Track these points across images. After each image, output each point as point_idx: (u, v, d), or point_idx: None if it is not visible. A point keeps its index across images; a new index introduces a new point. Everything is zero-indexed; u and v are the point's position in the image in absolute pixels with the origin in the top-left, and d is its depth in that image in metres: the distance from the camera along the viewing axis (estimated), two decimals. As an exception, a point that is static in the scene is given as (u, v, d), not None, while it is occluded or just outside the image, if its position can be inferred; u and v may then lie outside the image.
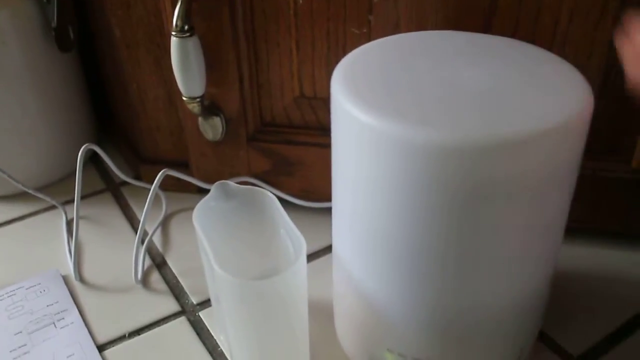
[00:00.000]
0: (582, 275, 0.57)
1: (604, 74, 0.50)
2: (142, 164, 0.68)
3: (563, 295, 0.54)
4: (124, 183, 0.71)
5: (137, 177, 0.69)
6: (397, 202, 0.37)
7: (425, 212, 0.36)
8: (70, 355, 0.51)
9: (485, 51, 0.41)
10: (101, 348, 0.52)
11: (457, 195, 0.35)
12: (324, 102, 0.57)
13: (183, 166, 0.65)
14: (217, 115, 0.59)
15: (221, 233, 0.47)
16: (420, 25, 0.49)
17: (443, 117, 0.35)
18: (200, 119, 0.59)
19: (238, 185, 0.48)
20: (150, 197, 0.57)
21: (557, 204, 0.38)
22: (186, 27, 0.53)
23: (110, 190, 0.71)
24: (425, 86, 0.38)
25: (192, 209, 0.66)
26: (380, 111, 0.36)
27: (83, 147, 0.59)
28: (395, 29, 0.50)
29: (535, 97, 0.36)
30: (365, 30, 0.51)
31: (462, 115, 0.35)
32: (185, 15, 0.52)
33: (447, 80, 0.38)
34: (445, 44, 0.42)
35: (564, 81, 0.38)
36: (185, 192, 0.68)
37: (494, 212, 0.36)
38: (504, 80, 0.38)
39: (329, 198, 0.62)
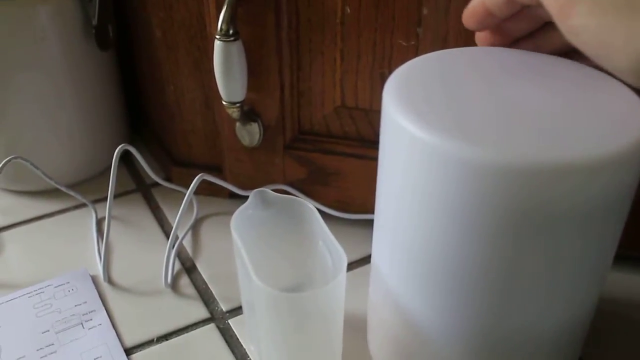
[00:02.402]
0: (624, 303, 0.56)
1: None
2: (174, 166, 0.68)
3: (603, 322, 0.53)
4: (155, 185, 0.70)
5: (168, 179, 0.69)
6: (444, 220, 0.36)
7: (472, 233, 0.35)
8: (97, 358, 0.51)
9: (539, 70, 0.40)
10: (128, 352, 0.51)
11: (509, 217, 0.34)
12: (365, 113, 0.56)
13: (215, 170, 0.65)
14: (255, 121, 0.58)
15: (257, 242, 0.47)
16: (468, 40, 0.48)
17: (499, 135, 0.34)
18: (237, 124, 0.59)
19: (277, 194, 0.47)
20: (186, 201, 0.57)
21: (611, 232, 0.37)
22: (231, 32, 0.52)
23: (140, 191, 0.70)
24: (480, 103, 0.37)
25: (223, 214, 0.66)
26: (432, 125, 0.35)
27: (119, 146, 0.58)
28: (444, 43, 0.50)
29: (594, 119, 0.35)
30: (413, 43, 0.51)
31: (519, 135, 0.34)
32: (230, 20, 0.52)
33: (503, 98, 0.37)
34: (499, 61, 0.42)
35: (621, 104, 0.37)
36: (216, 196, 0.67)
37: (545, 238, 0.35)
38: (560, 100, 0.37)
39: (363, 210, 0.61)
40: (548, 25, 0.41)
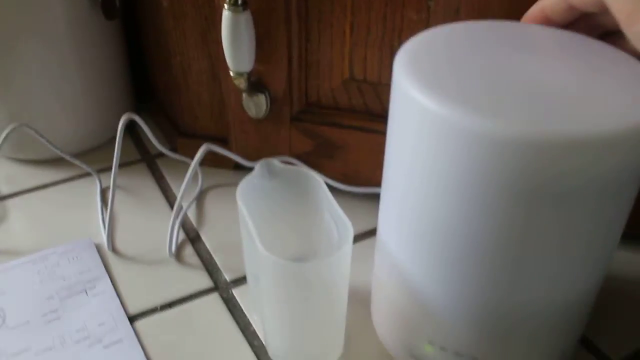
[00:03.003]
0: (629, 282, 0.56)
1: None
2: (179, 137, 0.68)
3: (607, 300, 0.53)
4: (159, 155, 0.70)
5: (174, 150, 0.69)
6: (454, 193, 0.36)
7: (483, 206, 0.35)
8: (101, 324, 0.51)
9: (553, 45, 0.40)
10: (132, 319, 0.52)
11: (520, 191, 0.34)
12: (374, 86, 0.56)
13: (221, 142, 0.64)
14: (262, 92, 0.58)
15: (263, 212, 0.47)
16: (481, 13, 0.48)
17: (512, 108, 0.34)
18: (244, 95, 0.59)
19: (283, 164, 0.47)
20: (191, 171, 0.56)
21: (621, 208, 0.37)
22: (239, 1, 0.52)
23: (145, 161, 0.70)
24: (493, 77, 0.37)
25: (228, 185, 0.66)
26: (444, 97, 0.34)
27: (124, 115, 0.58)
28: (456, 16, 0.49)
29: (608, 94, 0.35)
30: (424, 16, 0.50)
31: (531, 108, 0.34)
32: (240, -11, 0.51)
33: (517, 73, 0.37)
34: (512, 34, 0.41)
35: (637, 81, 0.37)
36: (221, 167, 0.67)
37: (556, 213, 0.35)
38: (574, 75, 0.37)
39: (369, 183, 0.61)
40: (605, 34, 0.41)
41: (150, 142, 0.69)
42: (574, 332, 0.45)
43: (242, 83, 0.56)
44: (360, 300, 0.52)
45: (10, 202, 0.64)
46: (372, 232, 0.59)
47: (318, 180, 0.46)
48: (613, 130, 0.32)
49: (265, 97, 0.58)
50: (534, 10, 0.42)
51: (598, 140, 0.32)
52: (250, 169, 0.47)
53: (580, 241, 0.37)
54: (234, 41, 0.53)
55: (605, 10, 0.37)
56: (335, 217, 0.45)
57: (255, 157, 0.63)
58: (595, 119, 0.33)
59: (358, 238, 0.58)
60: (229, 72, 0.56)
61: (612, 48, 0.40)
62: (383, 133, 0.42)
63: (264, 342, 0.50)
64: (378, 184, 0.43)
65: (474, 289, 0.39)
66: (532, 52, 0.39)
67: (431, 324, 0.42)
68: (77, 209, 0.63)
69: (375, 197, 0.45)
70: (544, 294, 0.39)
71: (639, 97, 0.35)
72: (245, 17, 0.53)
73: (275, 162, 0.47)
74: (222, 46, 0.55)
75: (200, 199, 0.64)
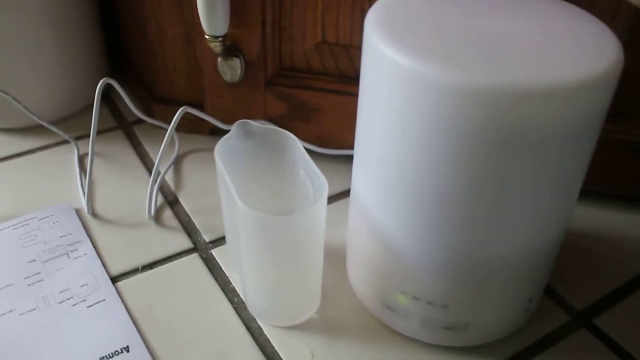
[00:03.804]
0: (590, 235, 0.58)
1: (627, 37, 0.50)
2: (156, 103, 0.68)
3: (570, 253, 0.55)
4: (136, 122, 0.71)
5: (150, 117, 0.69)
6: (426, 145, 0.37)
7: (453, 157, 0.37)
8: (83, 285, 0.52)
9: (520, 4, 0.41)
10: (114, 279, 0.53)
11: (488, 141, 0.36)
12: (346, 49, 0.57)
13: (197, 107, 0.65)
14: (237, 56, 0.59)
15: (240, 171, 0.48)
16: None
17: (478, 62, 0.35)
18: (219, 60, 0.59)
19: (259, 124, 0.48)
20: (168, 135, 0.57)
21: (581, 157, 0.39)
22: (213, -35, 0.52)
23: (121, 128, 0.71)
24: (460, 33, 0.38)
25: (204, 150, 0.67)
26: (415, 52, 0.36)
27: (101, 81, 0.59)
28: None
29: (569, 49, 0.37)
30: (393, -22, 0.51)
31: (498, 62, 0.35)
32: (213, -47, 0.52)
33: (482, 29, 0.38)
34: (478, -7, 0.43)
35: (596, 37, 0.38)
36: (197, 133, 0.68)
37: (521, 161, 0.36)
38: (539, 32, 0.38)
39: (342, 145, 0.63)
40: None
41: (126, 109, 0.70)
42: (541, 280, 0.47)
43: (217, 46, 0.57)
44: (335, 258, 0.53)
45: (-12, 170, 0.65)
46: (345, 194, 0.61)
47: (293, 139, 0.47)
48: (573, 81, 0.34)
49: (240, 61, 0.59)
50: None
51: (559, 90, 0.34)
52: (225, 133, 0.48)
53: (546, 189, 0.38)
54: (209, 4, 0.54)
55: None
56: (310, 173, 0.46)
57: (230, 121, 0.64)
58: (557, 71, 0.35)
59: (332, 199, 0.60)
60: (204, 37, 0.57)
61: (576, 7, 0.41)
62: (355, 95, 0.43)
63: (243, 299, 0.51)
64: (350, 146, 0.44)
65: (446, 239, 0.41)
66: (499, 9, 0.40)
67: (404, 275, 0.44)
68: (55, 175, 0.64)
69: (348, 159, 0.47)
70: (513, 243, 0.41)
71: (595, 51, 0.37)
72: (219, -19, 0.53)
73: (252, 122, 0.48)
74: (196, 11, 0.56)
75: (177, 164, 0.65)
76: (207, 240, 0.57)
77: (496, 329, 0.47)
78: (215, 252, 0.56)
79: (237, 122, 0.48)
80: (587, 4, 0.49)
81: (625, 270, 0.55)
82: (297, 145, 0.47)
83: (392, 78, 0.37)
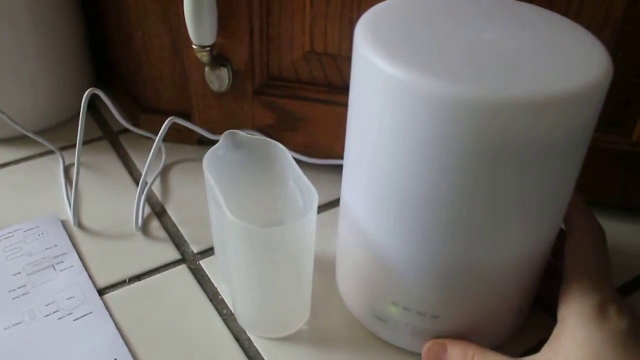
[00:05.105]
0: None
1: (614, 48, 0.51)
2: (142, 113, 0.68)
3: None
4: (122, 132, 0.70)
5: (136, 127, 0.69)
6: (417, 156, 0.37)
7: (444, 168, 0.37)
8: (70, 298, 0.51)
9: (508, 14, 0.42)
10: (101, 292, 0.52)
11: (479, 151, 0.36)
12: (334, 58, 0.57)
13: (184, 117, 0.65)
14: (224, 66, 0.59)
15: (228, 182, 0.47)
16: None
17: (469, 73, 0.35)
18: (207, 69, 0.59)
19: (248, 135, 0.48)
20: (156, 145, 0.57)
21: (571, 168, 0.39)
22: (200, -26, 0.52)
23: (107, 138, 0.70)
24: (450, 44, 0.38)
25: (191, 160, 0.67)
26: (406, 63, 0.36)
27: (87, 90, 0.58)
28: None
29: (559, 60, 0.37)
30: (382, -12, 0.51)
31: (488, 73, 0.35)
32: (200, -38, 0.52)
33: (472, 39, 0.38)
34: (468, 4, 0.43)
35: (586, 48, 0.38)
36: (184, 143, 0.68)
37: (512, 171, 0.36)
38: (528, 43, 0.38)
39: (330, 155, 0.62)
40: None
41: (112, 119, 0.70)
42: (531, 291, 0.47)
43: (204, 56, 0.57)
44: (325, 268, 0.53)
45: (-29, 181, 0.64)
46: (334, 203, 0.61)
47: (282, 149, 0.47)
48: (559, 92, 0.34)
49: (228, 70, 0.59)
50: None
51: (549, 101, 0.34)
52: (213, 143, 0.48)
53: (536, 199, 0.39)
54: (196, 14, 0.54)
55: None
56: (300, 184, 0.46)
57: (218, 131, 0.63)
58: (545, 83, 0.35)
59: (321, 209, 0.60)
60: (191, 47, 0.57)
61: (562, 17, 0.41)
62: (343, 105, 0.43)
63: (232, 311, 0.51)
64: (339, 155, 0.44)
65: (437, 250, 0.40)
66: (488, 19, 0.41)
67: (394, 286, 0.44)
68: (40, 186, 0.63)
69: (336, 169, 0.47)
70: (504, 254, 0.41)
71: (584, 62, 0.37)
72: (207, -9, 0.53)
73: (240, 132, 0.48)
74: (183, 20, 0.55)
75: (164, 174, 0.65)
76: (195, 251, 0.56)
77: (487, 339, 0.47)
78: (203, 263, 0.55)
79: (226, 132, 0.48)
80: (574, 15, 0.50)
81: (615, 279, 0.55)
82: (286, 156, 0.47)
83: (382, 88, 0.37)
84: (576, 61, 0.37)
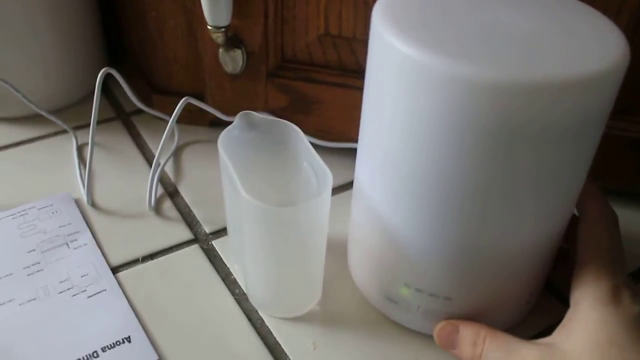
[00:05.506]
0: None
1: (631, 34, 0.51)
2: (154, 94, 0.68)
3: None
4: (135, 112, 0.71)
5: (149, 107, 0.69)
6: (433, 137, 0.37)
7: (461, 150, 0.37)
8: (84, 275, 0.52)
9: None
10: (115, 270, 0.53)
11: (495, 133, 0.36)
12: (348, 41, 0.57)
13: (197, 98, 0.65)
14: (238, 47, 0.59)
15: (243, 163, 0.48)
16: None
17: (486, 55, 0.35)
18: (221, 51, 0.59)
19: (262, 116, 0.48)
20: (170, 126, 0.57)
21: (585, 153, 0.39)
22: (217, -45, 0.52)
23: (120, 119, 0.71)
24: (467, 26, 0.38)
25: (204, 142, 0.67)
26: (423, 44, 0.36)
27: (102, 70, 0.58)
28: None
29: (576, 44, 0.37)
30: (398, -30, 0.51)
31: (505, 55, 0.36)
32: (217, -57, 0.52)
33: (489, 23, 0.38)
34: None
35: (603, 33, 0.38)
36: (197, 124, 0.68)
37: (527, 154, 0.37)
38: (545, 27, 0.38)
39: (343, 138, 0.63)
40: None
41: (125, 100, 0.70)
42: (542, 275, 0.47)
43: (219, 37, 0.57)
44: (337, 250, 0.53)
45: (-14, 160, 0.64)
46: (346, 187, 0.61)
47: (296, 130, 0.47)
48: (578, 75, 0.34)
49: (242, 52, 0.59)
50: None
51: (566, 83, 0.34)
52: (226, 125, 0.48)
53: (551, 183, 0.39)
54: (212, -5, 0.54)
55: None
56: (314, 165, 0.46)
57: (231, 113, 0.64)
58: (564, 66, 0.35)
59: (333, 192, 0.59)
60: (205, 28, 0.57)
61: (578, 2, 0.41)
62: (357, 88, 0.43)
63: (244, 290, 0.51)
64: (352, 138, 0.44)
65: (451, 232, 0.41)
66: (504, 2, 0.41)
67: (407, 268, 0.44)
68: (54, 165, 0.64)
69: (349, 152, 0.47)
70: (518, 236, 0.41)
71: (601, 46, 0.37)
72: (222, -28, 0.53)
73: (255, 113, 0.48)
74: (198, 1, 0.55)
75: (177, 155, 0.65)
76: (207, 231, 0.57)
77: (497, 322, 0.47)
78: (216, 243, 0.55)
79: (241, 113, 0.48)
80: (590, 0, 0.49)
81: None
82: (300, 137, 0.47)
83: (399, 69, 0.37)
84: (594, 46, 0.37)
